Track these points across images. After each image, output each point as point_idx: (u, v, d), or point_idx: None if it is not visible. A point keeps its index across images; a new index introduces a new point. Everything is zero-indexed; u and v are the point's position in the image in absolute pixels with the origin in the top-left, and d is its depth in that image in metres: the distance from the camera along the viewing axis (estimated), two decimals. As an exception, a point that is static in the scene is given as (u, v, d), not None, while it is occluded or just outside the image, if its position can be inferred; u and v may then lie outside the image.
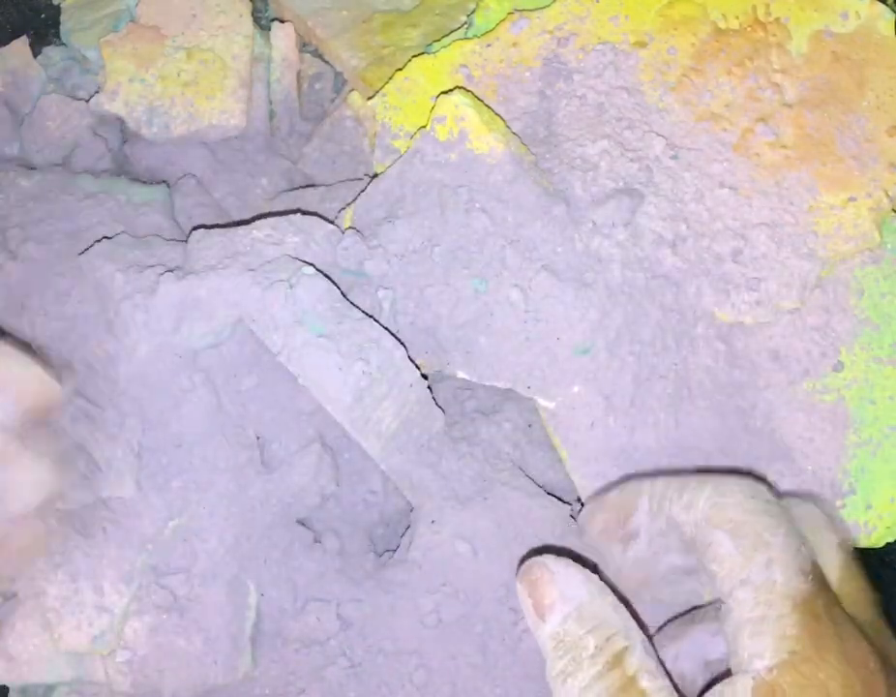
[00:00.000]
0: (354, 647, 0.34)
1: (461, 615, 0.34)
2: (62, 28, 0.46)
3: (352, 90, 0.42)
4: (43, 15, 0.47)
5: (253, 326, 0.33)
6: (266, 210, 0.40)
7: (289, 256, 0.34)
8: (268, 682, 0.34)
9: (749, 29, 0.38)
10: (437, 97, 0.37)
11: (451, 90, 0.37)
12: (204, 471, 0.34)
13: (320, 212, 0.38)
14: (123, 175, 0.42)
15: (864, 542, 0.35)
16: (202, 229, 0.36)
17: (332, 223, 0.36)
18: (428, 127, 0.36)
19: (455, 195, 0.35)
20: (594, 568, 0.28)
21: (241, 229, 0.35)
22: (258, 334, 0.33)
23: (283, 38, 0.44)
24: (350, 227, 0.36)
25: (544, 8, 0.39)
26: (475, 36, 0.40)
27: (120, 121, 0.43)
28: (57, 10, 0.47)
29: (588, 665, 0.25)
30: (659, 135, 0.37)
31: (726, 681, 0.24)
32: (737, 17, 0.38)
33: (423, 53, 0.40)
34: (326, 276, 0.34)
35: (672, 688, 0.25)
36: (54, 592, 0.32)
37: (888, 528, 0.35)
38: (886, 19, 0.38)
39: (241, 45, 0.43)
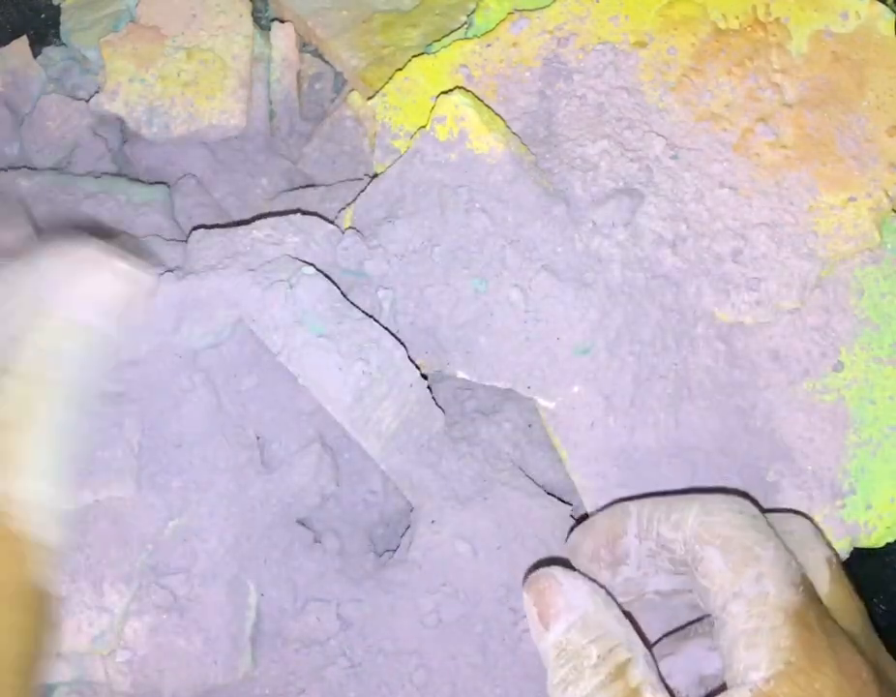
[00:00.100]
0: (354, 647, 0.34)
1: (461, 615, 0.34)
2: (62, 28, 0.46)
3: (352, 90, 0.42)
4: (43, 15, 0.47)
5: (253, 326, 0.33)
6: (266, 210, 0.40)
7: (289, 256, 0.34)
8: (268, 682, 0.34)
9: (749, 29, 0.38)
10: (437, 97, 0.37)
11: (451, 90, 0.37)
12: (204, 471, 0.34)
13: (320, 212, 0.38)
14: (123, 175, 0.42)
15: (864, 542, 0.35)
16: (202, 229, 0.36)
17: (332, 223, 0.36)
18: (428, 127, 0.36)
19: (455, 195, 0.35)
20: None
21: (241, 229, 0.35)
22: (258, 334, 0.33)
23: (283, 38, 0.44)
24: (350, 227, 0.36)
25: (544, 8, 0.39)
26: (475, 36, 0.40)
27: (120, 121, 0.43)
28: (57, 10, 0.47)
29: (590, 675, 0.25)
30: (659, 135, 0.37)
31: (722, 694, 0.24)
32: (737, 17, 0.38)
33: (423, 53, 0.40)
34: (326, 276, 0.34)
35: None
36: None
37: (888, 528, 0.35)
38: (886, 19, 0.38)
39: (241, 45, 0.43)
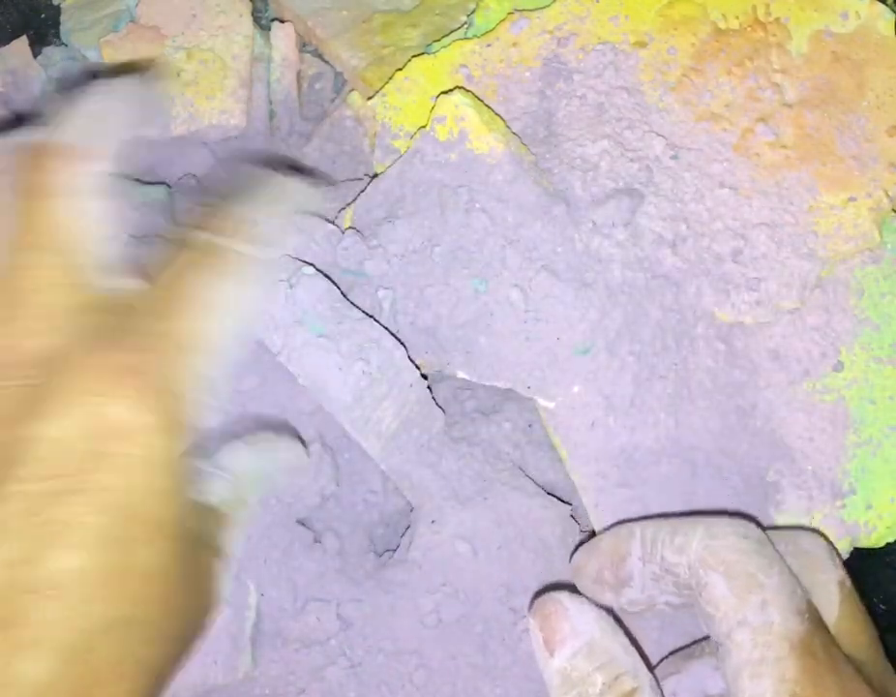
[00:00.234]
0: (354, 647, 0.34)
1: (461, 615, 0.34)
2: (62, 28, 0.46)
3: (352, 90, 0.42)
4: (43, 15, 0.47)
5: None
6: (266, 210, 0.40)
7: (289, 256, 0.34)
8: (268, 682, 0.34)
9: (749, 29, 0.38)
10: (437, 97, 0.37)
11: (451, 90, 0.37)
12: (204, 471, 0.34)
13: (320, 212, 0.38)
14: (123, 175, 0.42)
15: (864, 542, 0.35)
16: (202, 229, 0.36)
17: (332, 223, 0.36)
18: (428, 127, 0.36)
19: (455, 195, 0.35)
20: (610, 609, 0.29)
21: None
22: (258, 334, 0.33)
23: (283, 38, 0.44)
24: (350, 227, 0.36)
25: (544, 8, 0.39)
26: (475, 36, 0.40)
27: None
28: (57, 10, 0.47)
29: None
30: (659, 135, 0.37)
31: None
32: (737, 17, 0.38)
33: (423, 53, 0.40)
34: (326, 276, 0.34)
35: None
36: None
37: (888, 528, 0.35)
38: (886, 19, 0.38)
39: (241, 45, 0.43)
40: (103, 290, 0.26)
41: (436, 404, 0.35)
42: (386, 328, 0.34)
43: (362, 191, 0.37)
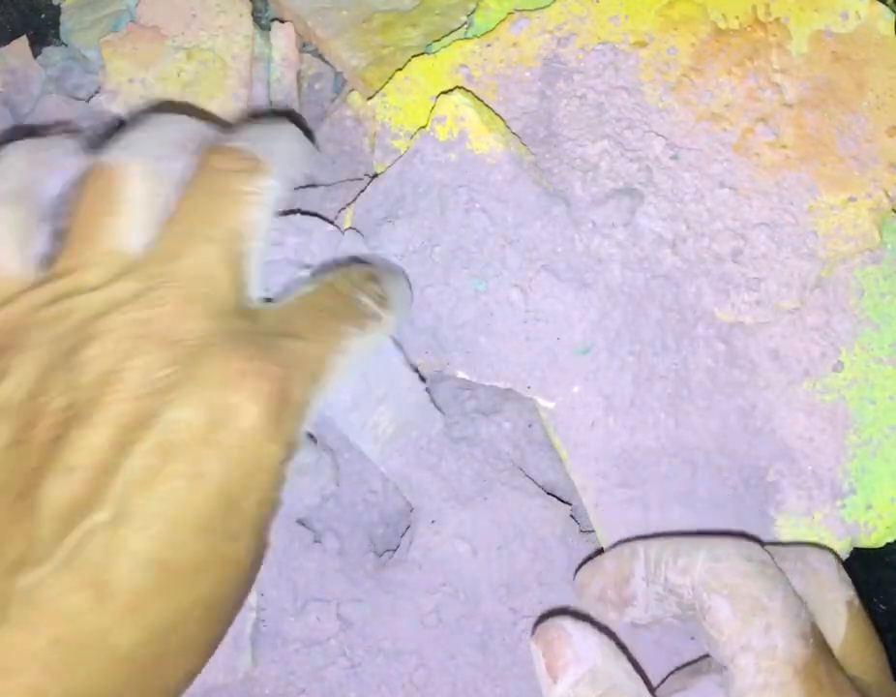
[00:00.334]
0: (354, 647, 0.34)
1: (461, 615, 0.34)
2: (62, 28, 0.46)
3: (352, 90, 0.42)
4: (43, 15, 0.47)
5: None
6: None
7: (288, 258, 0.34)
8: (268, 682, 0.34)
9: (749, 29, 0.38)
10: (437, 97, 0.37)
11: (451, 90, 0.37)
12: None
13: (320, 212, 0.38)
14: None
15: (864, 542, 0.35)
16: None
17: (332, 223, 0.36)
18: (428, 127, 0.36)
19: (455, 195, 0.35)
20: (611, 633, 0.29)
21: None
22: None
23: (283, 38, 0.44)
24: (350, 228, 0.36)
25: (544, 8, 0.39)
26: (475, 36, 0.40)
27: (120, 121, 0.43)
28: (57, 10, 0.47)
29: None
30: (659, 135, 0.37)
31: None
32: (737, 17, 0.38)
33: (423, 53, 0.40)
34: None
35: None
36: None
37: (888, 528, 0.35)
38: (886, 19, 0.38)
39: (241, 45, 0.43)
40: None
41: (435, 406, 0.35)
42: None
43: (362, 191, 0.37)
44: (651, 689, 0.27)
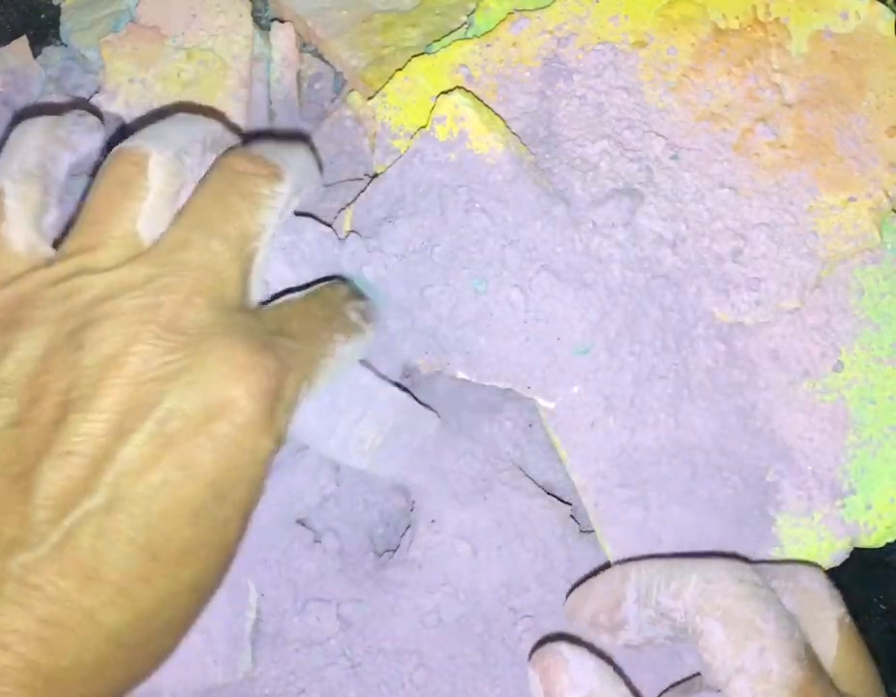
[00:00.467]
0: (354, 647, 0.34)
1: (461, 615, 0.34)
2: (62, 28, 0.46)
3: (352, 90, 0.42)
4: (42, 16, 0.47)
5: None
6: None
7: (277, 257, 0.34)
8: (268, 682, 0.34)
9: (749, 29, 0.38)
10: (437, 97, 0.37)
11: (451, 90, 0.37)
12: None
13: (320, 212, 0.38)
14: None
15: (864, 542, 0.35)
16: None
17: (329, 225, 0.36)
18: (428, 127, 0.36)
19: (455, 195, 0.35)
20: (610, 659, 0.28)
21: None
22: None
23: (283, 38, 0.44)
24: (352, 231, 0.36)
25: (544, 8, 0.39)
26: (475, 36, 0.40)
27: (120, 121, 0.43)
28: (57, 10, 0.47)
29: None
30: (659, 135, 0.37)
31: None
32: (737, 17, 0.38)
33: (423, 53, 0.40)
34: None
35: None
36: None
37: (888, 528, 0.35)
38: (886, 19, 0.38)
39: (241, 45, 0.43)
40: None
41: (427, 406, 0.35)
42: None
43: (362, 191, 0.37)
44: None
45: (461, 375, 0.35)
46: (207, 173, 0.30)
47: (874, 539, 0.35)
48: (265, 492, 0.33)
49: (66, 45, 0.46)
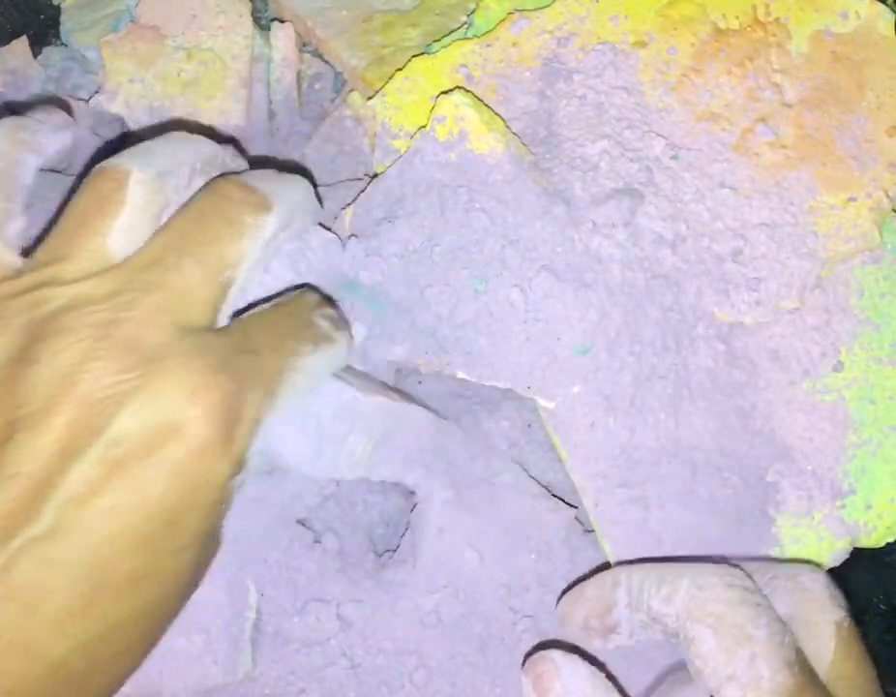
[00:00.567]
0: (354, 647, 0.34)
1: (461, 615, 0.34)
2: (62, 28, 0.46)
3: (352, 90, 0.42)
4: (42, 16, 0.47)
5: None
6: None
7: (284, 265, 0.34)
8: (268, 682, 0.34)
9: (749, 29, 0.38)
10: (437, 97, 0.37)
11: (451, 90, 0.37)
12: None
13: (320, 213, 0.38)
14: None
15: (864, 542, 0.35)
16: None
17: (329, 230, 0.36)
18: (428, 127, 0.36)
19: (455, 195, 0.35)
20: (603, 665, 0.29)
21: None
22: None
23: (283, 38, 0.44)
24: (352, 234, 0.36)
25: (544, 8, 0.39)
26: (475, 36, 0.40)
27: (120, 121, 0.43)
28: (57, 10, 0.47)
29: None
30: (659, 135, 0.37)
31: None
32: (737, 17, 0.38)
33: (423, 53, 0.40)
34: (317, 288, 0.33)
35: None
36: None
37: (888, 528, 0.35)
38: (886, 19, 0.38)
39: (241, 45, 0.43)
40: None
41: (421, 404, 0.35)
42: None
43: (362, 191, 0.37)
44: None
45: (461, 375, 0.35)
46: (194, 195, 0.29)
47: (874, 539, 0.35)
48: (266, 494, 0.34)
49: (66, 45, 0.46)
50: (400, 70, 0.39)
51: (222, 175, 0.30)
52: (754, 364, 0.36)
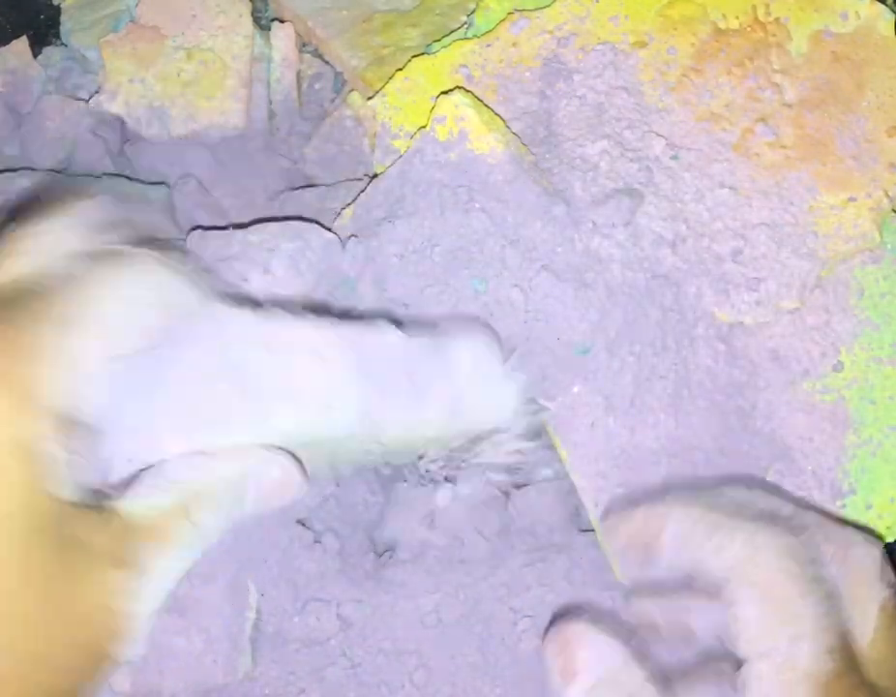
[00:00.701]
0: (354, 647, 0.34)
1: (461, 615, 0.34)
2: (62, 28, 0.46)
3: (352, 90, 0.42)
4: (42, 16, 0.47)
5: None
6: (267, 210, 0.40)
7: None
8: (268, 682, 0.34)
9: (749, 29, 0.38)
10: (437, 97, 0.37)
11: (451, 90, 0.37)
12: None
13: (320, 212, 0.38)
14: (123, 175, 0.42)
15: (864, 542, 0.35)
16: (200, 231, 0.36)
17: (330, 230, 0.36)
18: (428, 127, 0.36)
19: (455, 195, 0.35)
20: (628, 638, 0.27)
21: (238, 232, 0.35)
22: None
23: (283, 38, 0.44)
24: (353, 235, 0.36)
25: (544, 8, 0.39)
26: (475, 36, 0.40)
27: (120, 121, 0.43)
28: (57, 10, 0.47)
29: None
30: (659, 135, 0.37)
31: None
32: (737, 17, 0.38)
33: (423, 53, 0.40)
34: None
35: None
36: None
37: (888, 528, 0.35)
38: (886, 19, 0.38)
39: (241, 45, 0.43)
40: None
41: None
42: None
43: (362, 191, 0.37)
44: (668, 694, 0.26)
45: (461, 375, 0.35)
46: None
47: (874, 539, 0.35)
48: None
49: (66, 45, 0.46)
50: (400, 70, 0.39)
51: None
52: (754, 364, 0.36)
